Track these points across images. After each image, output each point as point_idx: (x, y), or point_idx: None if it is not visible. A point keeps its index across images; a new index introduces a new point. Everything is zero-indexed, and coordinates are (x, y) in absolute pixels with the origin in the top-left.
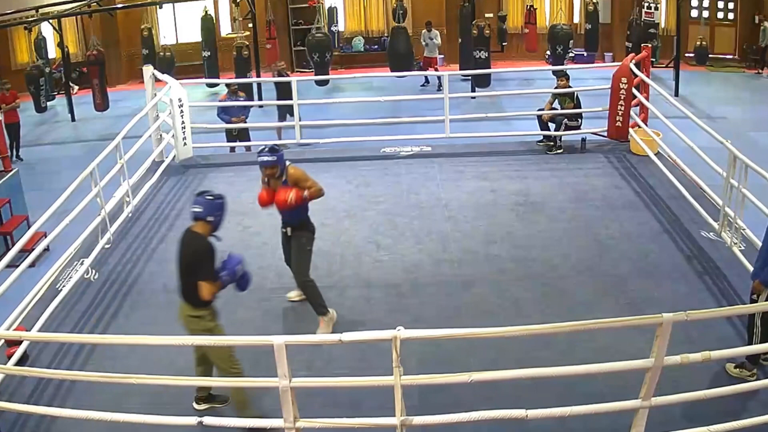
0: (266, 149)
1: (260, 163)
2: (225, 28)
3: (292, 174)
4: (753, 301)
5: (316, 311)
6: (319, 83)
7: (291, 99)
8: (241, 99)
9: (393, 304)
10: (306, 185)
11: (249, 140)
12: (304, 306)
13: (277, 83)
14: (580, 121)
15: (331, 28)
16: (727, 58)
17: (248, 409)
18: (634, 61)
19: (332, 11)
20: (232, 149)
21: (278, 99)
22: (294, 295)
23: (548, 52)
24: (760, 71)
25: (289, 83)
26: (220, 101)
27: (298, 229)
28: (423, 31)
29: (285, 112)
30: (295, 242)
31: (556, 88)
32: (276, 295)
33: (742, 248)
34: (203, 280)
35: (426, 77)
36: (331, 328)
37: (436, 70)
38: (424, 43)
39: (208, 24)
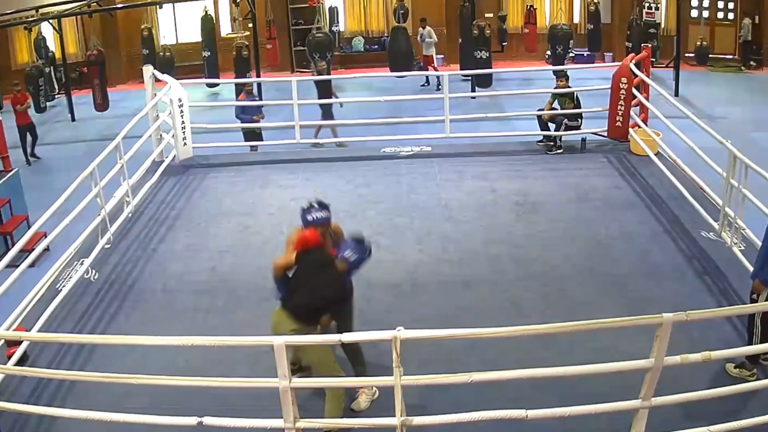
0: (316, 205)
1: (312, 221)
2: (225, 28)
3: (337, 232)
4: (753, 301)
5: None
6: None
7: (330, 98)
8: (256, 98)
9: (393, 304)
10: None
11: (261, 139)
12: None
13: (317, 83)
14: (580, 121)
15: (332, 28)
16: (727, 58)
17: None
18: (634, 61)
19: (333, 11)
20: (254, 148)
21: (319, 98)
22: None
23: (548, 52)
24: (742, 67)
25: (329, 83)
26: (238, 101)
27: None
28: (419, 28)
29: (329, 111)
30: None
31: (556, 88)
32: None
33: (742, 248)
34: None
35: (427, 77)
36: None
37: (435, 69)
38: (420, 41)
39: (208, 24)
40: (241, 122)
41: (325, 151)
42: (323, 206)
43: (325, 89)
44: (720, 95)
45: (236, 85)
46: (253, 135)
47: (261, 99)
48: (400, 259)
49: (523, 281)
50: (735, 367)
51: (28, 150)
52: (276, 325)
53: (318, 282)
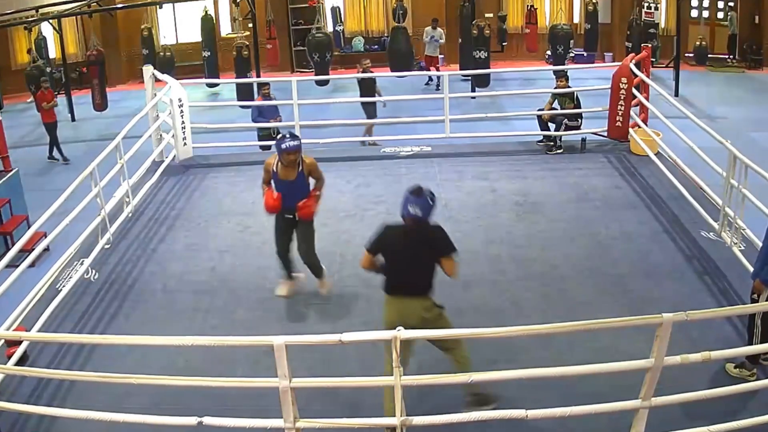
0: (288, 135)
1: (286, 148)
2: (225, 28)
3: (309, 163)
4: (753, 301)
5: (319, 276)
6: (320, 83)
7: (374, 96)
8: (273, 99)
9: None
10: (317, 175)
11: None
12: (304, 305)
13: (360, 81)
14: (580, 121)
15: (336, 28)
16: (729, 58)
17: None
18: (634, 61)
19: (335, 11)
20: (265, 148)
21: (362, 97)
22: (284, 291)
23: (548, 52)
24: (730, 59)
25: (373, 81)
26: (256, 103)
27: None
28: (427, 28)
29: (373, 110)
30: (305, 225)
31: (556, 88)
32: (276, 295)
33: (742, 248)
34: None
35: (429, 76)
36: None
37: (438, 69)
38: (426, 40)
39: (208, 24)
40: (256, 124)
41: (325, 151)
42: (294, 136)
43: (369, 88)
44: (720, 95)
45: (259, 85)
46: (269, 137)
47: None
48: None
49: (523, 281)
50: (735, 367)
51: (47, 149)
52: (402, 316)
53: (414, 254)
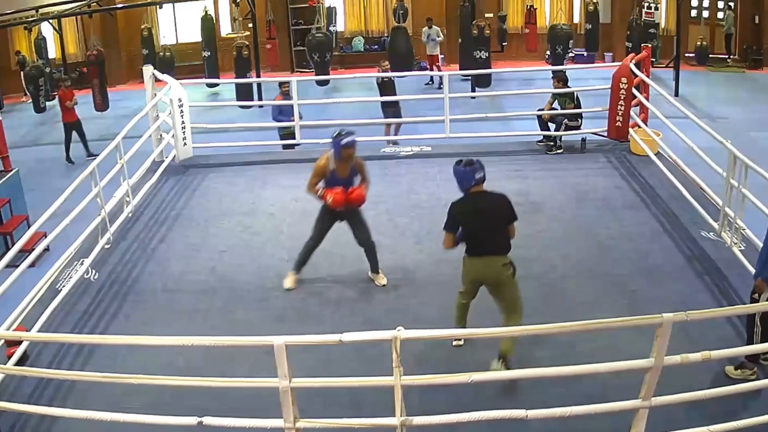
0: (344, 132)
1: (346, 144)
2: (225, 28)
3: (358, 161)
4: (754, 300)
5: (375, 269)
6: (320, 83)
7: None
8: (291, 98)
9: (393, 304)
10: (364, 175)
11: (295, 138)
12: (304, 305)
13: (383, 83)
14: (580, 121)
15: (330, 29)
16: (726, 58)
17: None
18: (634, 61)
19: (331, 11)
20: (286, 147)
21: (386, 97)
22: (293, 283)
23: (548, 52)
24: (729, 59)
25: (392, 83)
26: (276, 103)
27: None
28: (424, 28)
29: (390, 112)
30: (358, 214)
31: (555, 88)
32: (276, 295)
33: (742, 248)
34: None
35: (431, 76)
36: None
37: (439, 68)
38: (424, 40)
39: (208, 24)
40: (276, 123)
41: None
42: (350, 132)
43: (390, 88)
44: (720, 95)
45: (280, 84)
46: (291, 135)
47: (261, 99)
48: (400, 259)
49: (523, 281)
50: (736, 369)
51: (83, 148)
52: (482, 273)
53: (491, 218)
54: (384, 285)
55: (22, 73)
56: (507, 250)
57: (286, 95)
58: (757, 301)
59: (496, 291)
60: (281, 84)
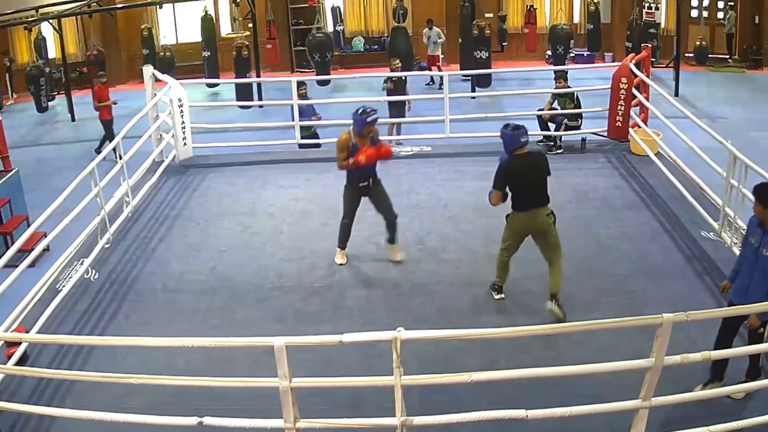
0: (369, 110)
1: (371, 121)
2: (225, 28)
3: (374, 129)
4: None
5: (393, 240)
6: (320, 83)
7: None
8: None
9: (393, 304)
10: (378, 136)
11: (318, 137)
12: (304, 305)
13: (393, 81)
14: (580, 121)
15: (336, 28)
16: (727, 58)
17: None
18: (634, 61)
19: (336, 11)
20: (302, 146)
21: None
22: (344, 259)
23: (548, 52)
24: (729, 59)
25: (402, 82)
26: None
27: (376, 176)
28: (424, 30)
29: (396, 111)
30: (380, 187)
31: (555, 88)
32: (276, 295)
33: None
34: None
35: (431, 77)
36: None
37: (439, 68)
38: (425, 42)
39: (208, 24)
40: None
41: (325, 151)
42: (374, 110)
43: (399, 87)
44: (720, 95)
45: (297, 84)
46: (310, 135)
47: (261, 99)
48: (400, 259)
49: (524, 281)
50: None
51: (99, 143)
52: (530, 224)
53: (534, 175)
54: (400, 261)
55: (7, 74)
56: (548, 201)
57: (303, 97)
58: (757, 336)
59: (541, 239)
60: (298, 85)
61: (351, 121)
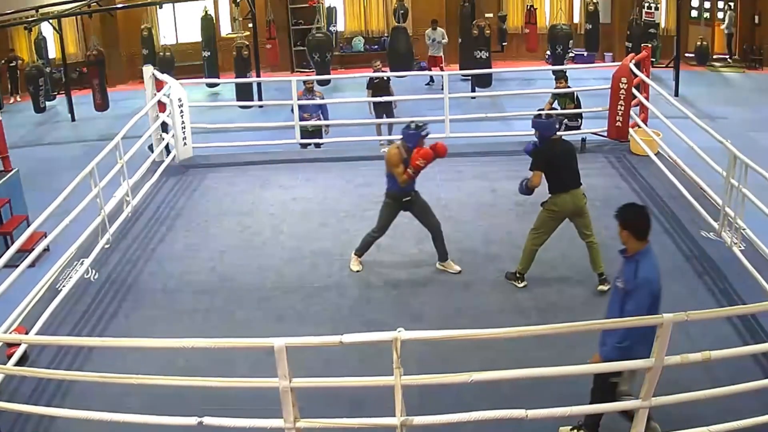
0: (420, 123)
1: (425, 134)
2: (225, 28)
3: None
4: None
5: (444, 257)
6: (320, 83)
7: (387, 96)
8: (318, 98)
9: (393, 304)
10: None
11: (321, 138)
12: (304, 305)
13: (377, 82)
14: (580, 121)
15: (330, 29)
16: (727, 58)
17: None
18: (634, 61)
19: (331, 11)
20: (303, 146)
21: (374, 97)
22: (360, 266)
23: (548, 52)
24: (729, 59)
25: (384, 82)
26: (299, 96)
27: (415, 191)
28: (427, 30)
29: (381, 111)
30: (421, 199)
31: (556, 88)
32: (276, 295)
33: (742, 248)
34: None
35: (431, 76)
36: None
37: (442, 69)
38: (428, 42)
39: (208, 24)
40: (300, 119)
41: (325, 151)
42: (425, 123)
43: (381, 88)
44: (720, 95)
45: (303, 82)
46: (306, 133)
47: (261, 99)
48: (400, 259)
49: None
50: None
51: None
52: (571, 205)
53: (569, 158)
54: (459, 272)
55: (13, 74)
56: (581, 182)
57: (309, 92)
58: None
59: (579, 219)
60: (305, 81)
61: (350, 122)
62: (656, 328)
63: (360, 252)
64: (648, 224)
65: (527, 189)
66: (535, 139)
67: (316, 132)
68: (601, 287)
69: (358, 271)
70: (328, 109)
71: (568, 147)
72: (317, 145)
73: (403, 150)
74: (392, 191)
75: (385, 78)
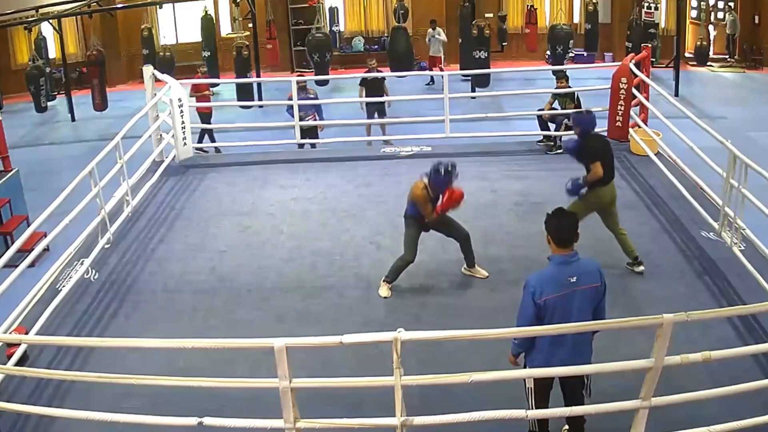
0: (448, 167)
1: (455, 177)
2: (225, 28)
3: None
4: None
5: (472, 263)
6: (319, 83)
7: (381, 96)
8: (311, 97)
9: (393, 304)
10: None
11: (317, 138)
12: (304, 305)
13: (371, 82)
14: None
15: (332, 29)
16: (727, 58)
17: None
18: (634, 61)
19: (333, 11)
20: (301, 146)
21: (368, 96)
22: (389, 293)
23: (548, 52)
24: (730, 59)
25: (379, 81)
26: (289, 98)
27: None
28: (429, 30)
29: (374, 110)
30: (445, 219)
31: (556, 88)
32: (276, 295)
33: (742, 248)
34: None
35: (432, 77)
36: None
37: (441, 69)
38: (428, 41)
39: (208, 24)
40: (290, 119)
41: (325, 151)
42: (453, 165)
43: (376, 88)
44: (720, 95)
45: (297, 81)
46: (303, 133)
47: (261, 99)
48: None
49: (523, 281)
50: None
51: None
52: (609, 195)
53: (610, 151)
54: (487, 276)
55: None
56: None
57: (302, 90)
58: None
59: (609, 209)
60: (298, 81)
61: (350, 122)
62: (549, 339)
63: (390, 278)
64: (568, 234)
65: (585, 184)
66: (573, 138)
67: (311, 131)
68: (640, 268)
69: (386, 297)
70: (321, 108)
71: (607, 141)
72: (313, 146)
73: (430, 190)
74: (413, 214)
75: (380, 77)
